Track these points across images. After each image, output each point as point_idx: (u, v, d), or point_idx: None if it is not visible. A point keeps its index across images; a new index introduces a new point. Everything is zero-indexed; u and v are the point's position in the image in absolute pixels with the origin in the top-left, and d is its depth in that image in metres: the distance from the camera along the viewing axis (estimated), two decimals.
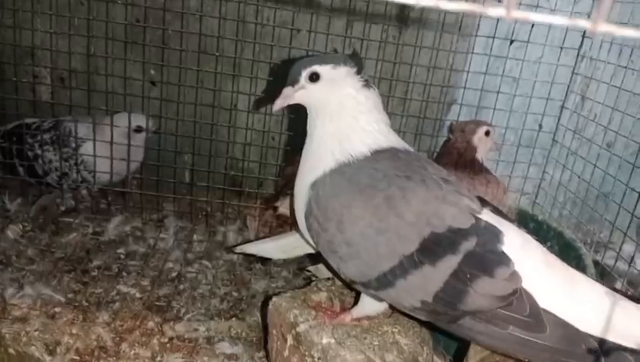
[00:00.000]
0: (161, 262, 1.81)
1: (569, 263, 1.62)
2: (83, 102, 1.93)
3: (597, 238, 1.78)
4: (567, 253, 1.67)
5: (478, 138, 1.75)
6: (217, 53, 1.86)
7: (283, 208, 1.50)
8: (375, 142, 1.14)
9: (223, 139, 1.98)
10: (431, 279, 0.97)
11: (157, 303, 1.61)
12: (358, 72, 1.17)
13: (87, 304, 1.57)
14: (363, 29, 1.91)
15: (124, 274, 1.73)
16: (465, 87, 1.94)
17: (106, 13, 1.84)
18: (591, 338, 0.92)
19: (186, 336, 1.48)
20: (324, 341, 1.18)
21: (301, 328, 1.21)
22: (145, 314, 1.55)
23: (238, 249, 1.53)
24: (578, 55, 1.95)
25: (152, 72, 2.01)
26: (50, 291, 1.57)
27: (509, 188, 2.03)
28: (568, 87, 1.98)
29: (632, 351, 0.91)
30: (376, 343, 1.18)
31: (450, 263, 0.97)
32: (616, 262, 1.65)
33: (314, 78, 1.15)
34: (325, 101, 1.15)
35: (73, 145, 1.89)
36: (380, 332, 1.22)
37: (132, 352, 1.40)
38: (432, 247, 0.99)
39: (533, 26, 1.90)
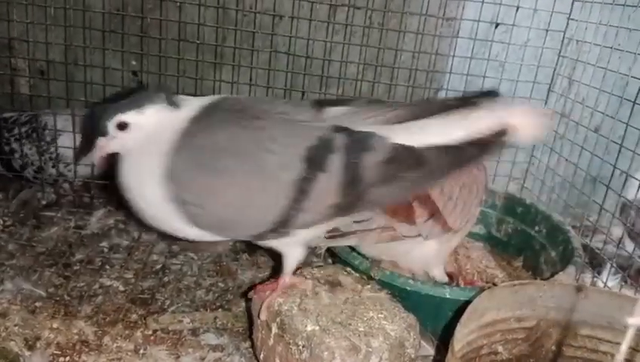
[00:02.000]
0: (146, 254, 1.77)
1: (557, 246, 1.63)
2: (62, 94, 1.89)
3: (585, 221, 1.77)
4: (556, 235, 1.66)
5: None
6: (198, 41, 1.82)
7: None
8: None
9: None
10: (330, 181, 1.05)
11: (141, 296, 1.58)
12: (170, 103, 1.13)
13: (68, 298, 1.53)
14: (347, 14, 1.89)
15: (107, 267, 1.69)
16: (451, 72, 1.92)
17: (83, 2, 1.80)
18: None
19: (170, 328, 1.45)
20: (309, 328, 1.16)
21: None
22: (128, 306, 1.52)
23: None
24: (564, 38, 1.94)
25: (134, 62, 1.97)
26: (30, 286, 1.54)
27: (496, 174, 2.02)
28: (555, 70, 1.97)
29: None
30: (361, 329, 1.16)
31: (335, 160, 1.05)
32: (604, 244, 1.64)
33: (122, 127, 1.12)
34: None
35: (49, 138, 1.85)
36: (365, 319, 1.20)
37: (114, 345, 1.37)
38: (314, 158, 1.05)
39: (518, 9, 1.88)
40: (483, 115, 1.07)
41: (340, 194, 1.06)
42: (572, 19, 1.90)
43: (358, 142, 1.05)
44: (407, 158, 1.05)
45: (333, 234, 1.36)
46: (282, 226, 1.10)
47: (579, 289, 1.14)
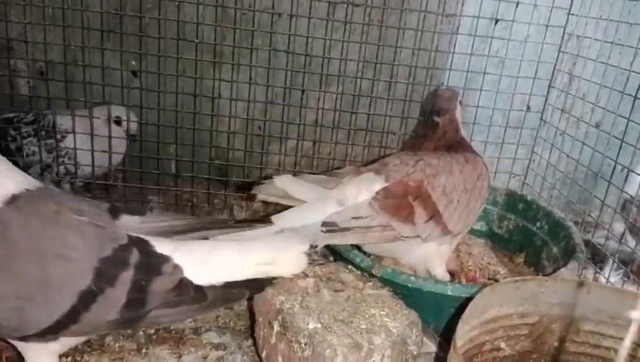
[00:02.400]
0: None
1: (559, 242, 1.63)
2: (62, 95, 1.88)
3: (587, 217, 1.76)
4: (557, 231, 1.65)
5: (458, 111, 1.69)
6: (197, 40, 1.82)
7: (262, 195, 1.47)
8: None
9: (206, 128, 1.94)
10: (115, 298, 1.04)
11: None
12: None
13: None
14: (346, 12, 1.88)
15: None
16: (450, 69, 1.91)
17: (81, 2, 1.79)
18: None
19: (172, 327, 1.45)
20: (311, 326, 1.16)
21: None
22: None
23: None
24: (564, 33, 1.93)
25: (133, 62, 1.97)
26: None
27: (497, 170, 2.01)
28: (555, 65, 1.96)
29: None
30: (363, 326, 1.16)
31: (126, 278, 1.04)
32: (606, 240, 1.63)
33: None
34: None
35: (58, 136, 1.85)
36: (367, 316, 1.20)
37: (117, 345, 1.37)
38: (106, 271, 1.03)
39: (518, 4, 1.87)
40: (262, 248, 1.17)
41: (121, 312, 1.05)
42: (572, 15, 1.90)
43: (151, 265, 1.07)
44: (191, 293, 1.09)
45: (332, 228, 1.35)
46: (51, 332, 1.05)
47: (581, 284, 1.13)
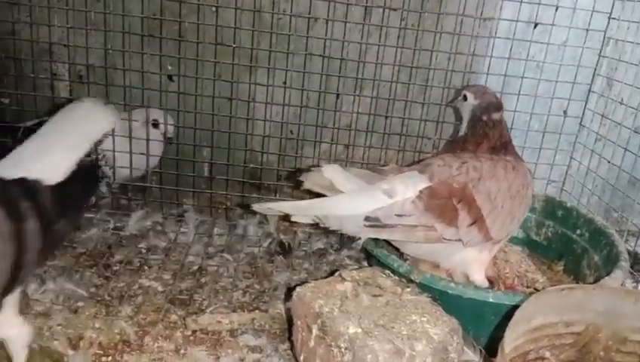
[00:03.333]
0: (182, 255, 1.79)
1: (600, 250, 1.59)
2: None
3: (629, 226, 1.72)
4: (599, 239, 1.62)
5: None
6: (234, 45, 1.84)
7: (309, 184, 1.45)
8: None
9: (241, 131, 1.96)
10: None
11: (179, 296, 1.59)
12: None
13: (109, 298, 1.55)
14: (382, 16, 1.88)
15: (146, 268, 1.71)
16: (488, 73, 1.89)
17: (122, 7, 1.82)
18: None
19: (209, 329, 1.46)
20: (351, 330, 1.15)
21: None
22: (167, 307, 1.53)
23: (256, 206, 1.49)
24: (604, 37, 1.90)
25: (170, 67, 1.99)
26: (72, 286, 1.56)
27: (534, 176, 1.98)
28: (595, 70, 1.93)
29: None
30: (404, 332, 1.15)
31: None
32: None
33: None
34: None
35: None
36: (408, 322, 1.19)
37: (155, 345, 1.39)
38: None
39: (557, 8, 1.85)
40: None
41: None
42: (613, 19, 1.86)
43: None
44: None
45: (375, 224, 1.34)
46: None
47: (629, 293, 1.10)
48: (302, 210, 1.40)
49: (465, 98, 1.62)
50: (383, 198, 1.34)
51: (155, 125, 1.91)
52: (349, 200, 1.36)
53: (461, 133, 1.64)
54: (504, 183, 1.42)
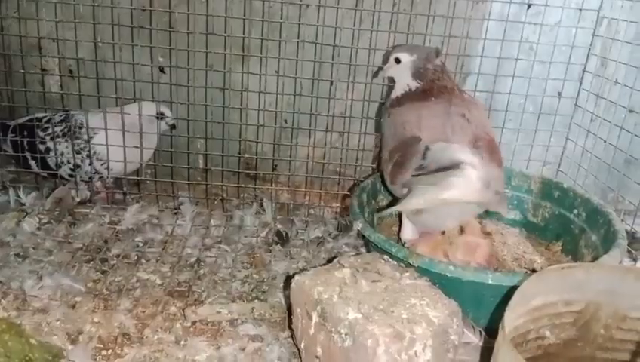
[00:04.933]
0: (180, 248, 1.79)
1: (598, 229, 1.59)
2: (92, 93, 1.90)
3: (626, 205, 1.72)
4: (596, 219, 1.62)
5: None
6: (225, 34, 1.82)
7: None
8: None
9: (235, 122, 1.94)
10: None
11: (178, 288, 1.59)
12: None
13: (107, 292, 1.55)
14: (374, 1, 1.86)
15: (143, 261, 1.70)
16: (482, 56, 1.88)
17: None
18: None
19: (208, 319, 1.45)
20: (351, 316, 1.15)
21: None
22: (166, 299, 1.53)
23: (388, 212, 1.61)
24: (598, 16, 1.88)
25: (161, 59, 1.97)
26: (69, 281, 1.55)
27: (530, 158, 1.98)
28: (589, 50, 1.92)
29: None
30: (404, 316, 1.15)
31: None
32: None
33: None
34: None
35: (85, 136, 1.87)
36: (407, 306, 1.18)
37: (155, 337, 1.38)
38: None
39: None
40: None
41: None
42: None
43: None
44: None
45: (419, 172, 1.42)
46: None
47: (629, 271, 1.10)
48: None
49: (398, 60, 1.65)
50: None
51: (161, 117, 1.90)
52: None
53: (401, 92, 1.65)
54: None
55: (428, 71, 1.62)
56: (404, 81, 1.65)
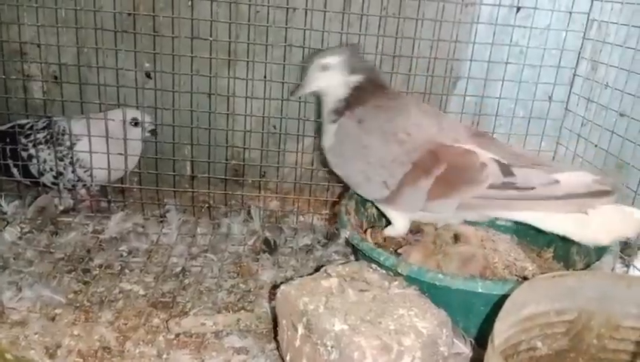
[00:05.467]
0: (165, 257, 1.75)
1: None
2: (76, 98, 1.86)
3: None
4: None
5: None
6: (211, 38, 1.78)
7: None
8: None
9: (221, 127, 1.91)
10: None
11: (162, 299, 1.55)
12: None
13: (88, 304, 1.50)
14: (362, 5, 1.84)
15: (127, 271, 1.66)
16: (471, 60, 1.86)
17: (94, 3, 1.76)
18: None
19: (193, 332, 1.41)
20: (337, 327, 1.11)
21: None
22: (149, 311, 1.49)
23: None
24: (588, 19, 1.87)
25: (147, 64, 1.94)
26: (49, 292, 1.51)
27: None
28: (579, 53, 1.90)
29: None
30: (392, 327, 1.11)
31: None
32: None
33: None
34: None
35: (68, 143, 1.83)
36: (395, 316, 1.15)
37: (137, 351, 1.34)
38: None
39: None
40: None
41: None
42: (596, 0, 1.83)
43: None
44: None
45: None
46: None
47: (621, 278, 1.07)
48: None
49: (326, 67, 1.56)
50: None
51: (136, 124, 1.86)
52: None
53: (346, 94, 1.55)
54: None
55: (365, 63, 1.59)
56: (341, 82, 1.55)
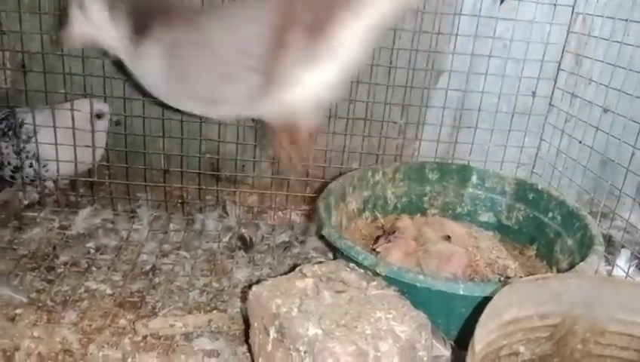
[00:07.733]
0: (135, 254, 1.67)
1: (574, 233, 1.53)
2: (41, 88, 1.77)
3: (601, 207, 1.66)
4: (571, 222, 1.55)
5: None
6: None
7: None
8: None
9: (195, 120, 1.83)
10: None
11: (130, 299, 1.47)
12: None
13: (52, 303, 1.42)
14: None
15: (94, 269, 1.58)
16: (454, 53, 1.81)
17: None
18: None
19: (161, 333, 1.34)
20: (311, 332, 1.05)
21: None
22: (116, 311, 1.41)
23: None
24: (573, 12, 1.83)
25: None
26: (10, 291, 1.43)
27: (504, 160, 1.91)
28: (564, 47, 1.86)
29: None
30: (368, 332, 1.06)
31: None
32: (625, 231, 1.53)
33: None
34: None
35: (25, 136, 1.74)
36: (372, 320, 1.10)
37: (100, 354, 1.27)
38: None
39: None
40: None
41: None
42: None
43: None
44: None
45: None
46: None
47: (607, 281, 1.03)
48: None
49: (82, 5, 1.26)
50: None
51: (98, 116, 1.77)
52: None
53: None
54: None
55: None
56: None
